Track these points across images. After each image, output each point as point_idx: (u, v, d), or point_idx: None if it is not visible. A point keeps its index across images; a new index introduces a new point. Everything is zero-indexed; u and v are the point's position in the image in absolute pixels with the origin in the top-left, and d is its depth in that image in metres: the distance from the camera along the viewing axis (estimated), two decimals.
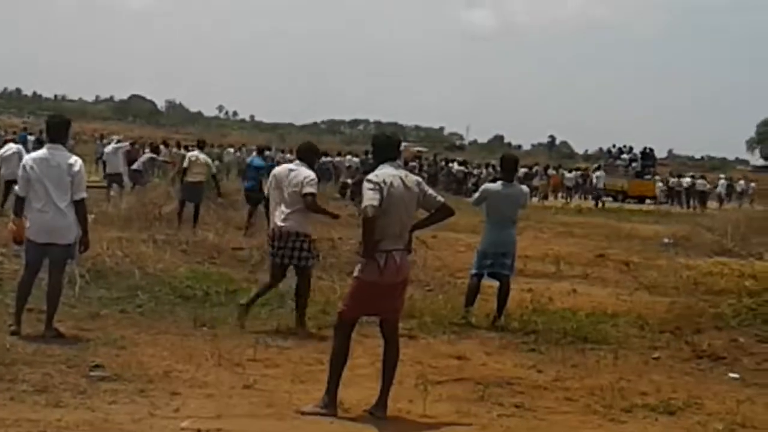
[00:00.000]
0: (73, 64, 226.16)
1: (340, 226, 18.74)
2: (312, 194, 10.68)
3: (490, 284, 12.33)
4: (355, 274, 7.69)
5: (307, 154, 11.18)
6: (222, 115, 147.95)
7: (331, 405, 7.61)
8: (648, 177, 54.99)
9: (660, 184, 55.12)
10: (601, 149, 74.99)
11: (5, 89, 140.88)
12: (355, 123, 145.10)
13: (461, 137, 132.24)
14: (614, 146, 60.12)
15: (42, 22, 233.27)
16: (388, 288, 7.64)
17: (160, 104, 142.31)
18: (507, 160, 12.58)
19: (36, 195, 9.48)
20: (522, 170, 41.98)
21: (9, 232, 10.07)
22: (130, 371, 8.46)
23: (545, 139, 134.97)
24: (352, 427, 7.47)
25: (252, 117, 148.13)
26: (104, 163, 26.07)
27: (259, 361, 9.22)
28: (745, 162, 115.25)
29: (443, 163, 53.60)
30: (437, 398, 8.24)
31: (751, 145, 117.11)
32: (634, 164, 55.96)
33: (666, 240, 25.18)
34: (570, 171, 57.13)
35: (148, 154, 27.64)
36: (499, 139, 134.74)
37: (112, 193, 24.57)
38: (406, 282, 8.00)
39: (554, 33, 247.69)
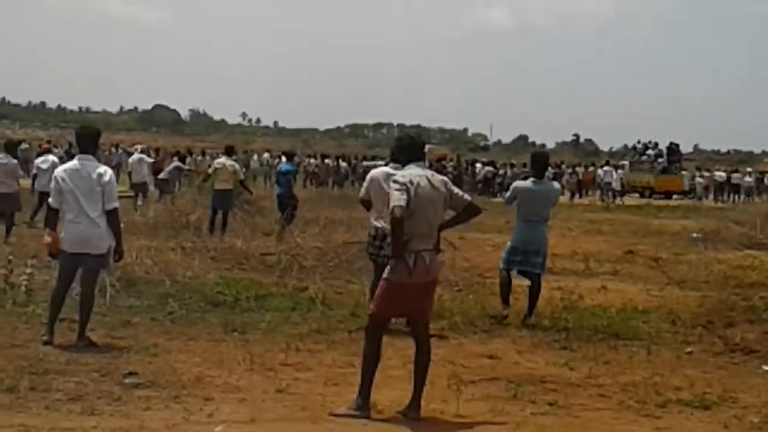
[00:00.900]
0: (96, 77, 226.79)
1: (367, 229, 18.83)
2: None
3: (521, 283, 12.29)
4: (385, 275, 7.68)
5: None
6: (245, 122, 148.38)
7: (364, 407, 7.61)
8: (674, 172, 54.62)
9: (700, 179, 54.57)
10: (626, 146, 74.83)
11: (30, 102, 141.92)
12: (378, 126, 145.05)
13: (485, 138, 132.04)
14: (639, 142, 59.78)
15: (64, 36, 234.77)
16: (417, 288, 7.63)
17: (184, 113, 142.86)
18: (538, 157, 12.63)
19: (68, 206, 9.54)
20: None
21: (45, 245, 10.10)
22: (163, 378, 8.49)
23: (569, 138, 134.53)
24: (386, 429, 7.47)
25: (275, 123, 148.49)
26: (129, 173, 26.19)
27: (290, 365, 9.23)
28: None
29: (467, 164, 53.56)
30: (470, 398, 8.23)
31: None
32: (660, 160, 55.62)
33: (695, 234, 25.08)
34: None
35: (174, 163, 27.74)
36: (523, 138, 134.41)
37: (138, 202, 24.70)
38: (436, 282, 7.99)
39: (575, 29, 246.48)
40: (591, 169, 56.08)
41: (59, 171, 9.88)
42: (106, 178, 9.56)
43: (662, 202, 46.94)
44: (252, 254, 16.43)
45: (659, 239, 24.52)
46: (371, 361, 7.71)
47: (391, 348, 9.06)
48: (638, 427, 7.83)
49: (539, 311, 12.05)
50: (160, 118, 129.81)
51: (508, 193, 12.69)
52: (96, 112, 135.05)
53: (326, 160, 51.01)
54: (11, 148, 19.10)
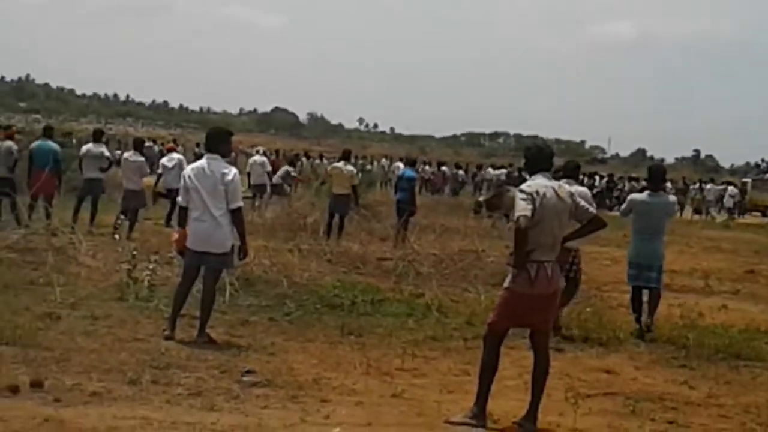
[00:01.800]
0: (218, 78, 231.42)
1: (483, 238, 18.77)
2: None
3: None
4: (506, 284, 7.63)
5: (574, 172, 11.71)
6: (362, 128, 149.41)
7: (480, 416, 7.57)
8: None
9: None
10: (748, 163, 73.03)
11: (153, 101, 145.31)
12: (495, 135, 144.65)
13: (603, 150, 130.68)
14: (763, 160, 58.50)
15: (188, 39, 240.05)
16: (539, 299, 7.56)
17: (302, 117, 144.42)
18: (655, 170, 12.51)
19: (194, 204, 9.73)
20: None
21: (173, 241, 10.31)
22: (280, 377, 8.58)
23: (689, 153, 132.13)
24: None
25: (392, 129, 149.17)
26: (249, 174, 26.51)
27: (407, 371, 9.25)
28: None
29: (585, 177, 52.82)
30: (587, 412, 8.13)
31: None
32: None
33: None
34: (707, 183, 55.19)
35: (285, 168, 28.00)
36: (641, 152, 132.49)
37: (256, 203, 25.01)
38: (557, 293, 7.89)
39: (697, 44, 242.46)
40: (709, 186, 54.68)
41: (187, 169, 10.09)
42: (230, 177, 9.68)
43: None
44: (368, 259, 16.48)
45: None
46: (489, 370, 7.67)
47: (507, 358, 8.98)
48: None
49: (658, 327, 11.85)
50: (278, 121, 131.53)
51: (623, 206, 12.65)
52: (216, 113, 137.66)
53: (443, 168, 50.92)
54: (139, 145, 19.54)
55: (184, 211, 9.92)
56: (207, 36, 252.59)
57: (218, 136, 10.06)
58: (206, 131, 10.50)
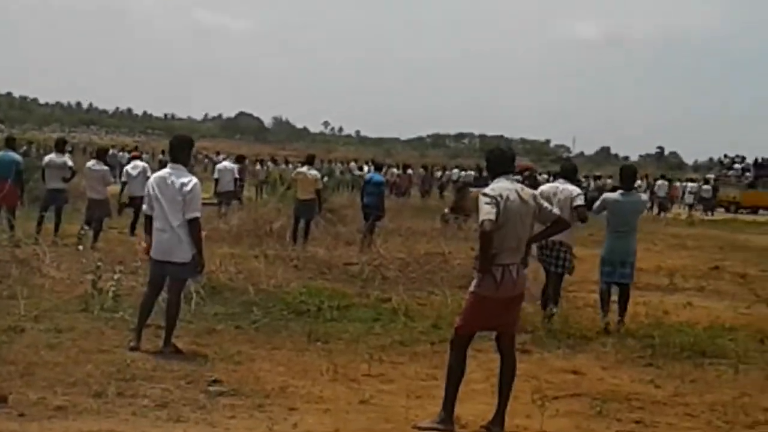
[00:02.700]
0: (181, 84, 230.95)
1: (449, 241, 18.80)
2: (582, 206, 11.96)
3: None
4: (471, 288, 7.64)
5: (572, 173, 12.90)
6: (328, 131, 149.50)
7: (447, 420, 7.57)
8: (762, 187, 53.37)
9: None
10: (711, 159, 73.54)
11: (117, 109, 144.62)
12: (460, 137, 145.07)
13: (568, 149, 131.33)
14: (726, 156, 58.81)
15: (151, 46, 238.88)
16: (504, 302, 7.58)
17: (267, 121, 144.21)
18: (627, 170, 12.97)
19: (156, 214, 9.67)
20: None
21: (141, 250, 10.26)
22: (247, 386, 8.54)
23: (653, 150, 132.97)
24: None
25: (357, 132, 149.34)
26: (216, 180, 26.34)
27: (374, 377, 9.24)
28: None
29: (547, 176, 52.91)
30: (554, 414, 8.12)
31: None
32: (747, 174, 54.60)
33: None
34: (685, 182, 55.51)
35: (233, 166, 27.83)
36: (605, 150, 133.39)
37: (222, 210, 24.91)
38: (523, 296, 7.91)
39: (660, 42, 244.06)
40: (677, 184, 54.97)
41: (152, 179, 10.02)
42: (188, 187, 9.59)
43: (749, 218, 45.91)
44: (335, 264, 16.48)
45: (746, 255, 24.06)
46: (456, 374, 7.67)
47: (475, 361, 9.01)
48: None
49: (624, 327, 11.91)
50: (243, 126, 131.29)
51: (596, 204, 12.88)
52: (181, 119, 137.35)
53: (408, 170, 50.88)
54: (102, 154, 19.42)
55: (149, 219, 9.86)
56: (171, 42, 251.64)
57: (180, 145, 10.01)
58: (170, 139, 10.45)
